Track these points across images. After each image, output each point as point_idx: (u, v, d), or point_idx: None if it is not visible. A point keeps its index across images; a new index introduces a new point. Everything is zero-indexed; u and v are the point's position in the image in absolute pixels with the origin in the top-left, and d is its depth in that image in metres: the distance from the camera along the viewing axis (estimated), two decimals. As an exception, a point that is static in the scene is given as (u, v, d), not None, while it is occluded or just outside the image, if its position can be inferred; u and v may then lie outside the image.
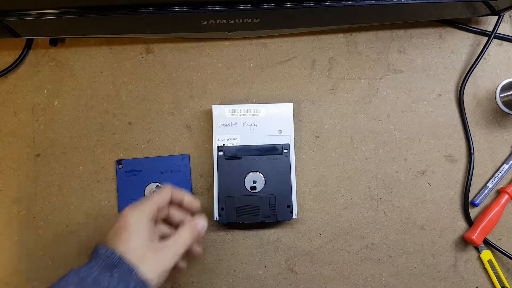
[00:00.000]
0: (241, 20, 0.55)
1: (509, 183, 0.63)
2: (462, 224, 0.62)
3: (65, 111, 0.64)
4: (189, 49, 0.64)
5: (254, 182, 0.59)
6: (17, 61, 0.63)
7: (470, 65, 0.63)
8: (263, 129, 0.60)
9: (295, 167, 0.62)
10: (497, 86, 0.61)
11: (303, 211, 0.62)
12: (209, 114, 0.63)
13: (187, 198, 0.53)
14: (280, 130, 0.60)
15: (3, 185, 0.63)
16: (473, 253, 0.62)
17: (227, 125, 0.60)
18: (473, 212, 0.62)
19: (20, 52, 0.63)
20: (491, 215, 0.60)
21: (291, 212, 0.59)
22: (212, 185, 0.60)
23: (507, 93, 0.61)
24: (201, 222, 0.50)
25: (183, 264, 0.52)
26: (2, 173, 0.63)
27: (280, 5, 0.52)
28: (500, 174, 0.62)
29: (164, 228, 0.52)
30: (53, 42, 0.63)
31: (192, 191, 0.62)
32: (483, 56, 0.62)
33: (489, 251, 0.62)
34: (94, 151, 0.63)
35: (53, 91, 0.64)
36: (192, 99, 0.64)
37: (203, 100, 0.64)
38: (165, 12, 0.52)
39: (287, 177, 0.59)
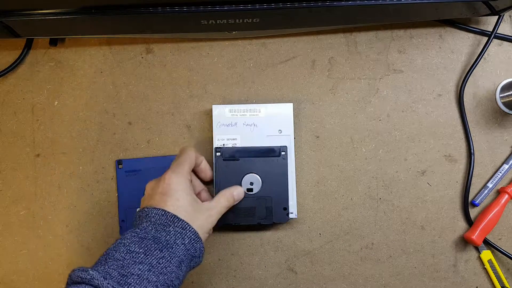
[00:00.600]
0: (241, 20, 0.55)
1: (509, 183, 0.63)
2: (462, 224, 0.62)
3: (65, 111, 0.64)
4: (189, 49, 0.64)
5: (251, 183, 0.59)
6: (17, 61, 0.63)
7: (470, 65, 0.63)
8: (263, 129, 0.60)
9: (295, 167, 0.61)
10: (497, 86, 0.61)
11: (303, 211, 0.62)
12: (209, 114, 0.63)
13: (205, 163, 0.58)
14: (280, 130, 0.60)
15: (3, 185, 0.63)
16: (473, 253, 0.62)
17: (227, 125, 0.60)
18: (473, 212, 0.62)
19: (20, 52, 0.63)
20: (491, 215, 0.60)
21: (288, 214, 0.58)
22: (211, 185, 0.60)
23: (507, 93, 0.61)
24: (238, 190, 0.56)
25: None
26: (2, 173, 0.63)
27: (280, 5, 0.52)
28: (500, 174, 0.62)
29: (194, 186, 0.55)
30: (53, 42, 0.63)
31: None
32: (483, 56, 0.62)
33: (489, 251, 0.62)
34: (94, 151, 0.63)
35: (53, 91, 0.64)
36: (192, 99, 0.64)
37: (203, 100, 0.64)
38: (165, 12, 0.52)
39: (284, 179, 0.59)
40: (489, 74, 0.64)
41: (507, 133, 0.63)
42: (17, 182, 0.63)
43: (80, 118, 0.63)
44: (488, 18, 0.64)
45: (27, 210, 0.62)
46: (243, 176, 0.59)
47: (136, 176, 0.62)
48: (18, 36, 0.57)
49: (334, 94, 0.64)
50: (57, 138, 0.63)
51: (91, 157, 0.63)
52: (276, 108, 0.61)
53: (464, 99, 0.63)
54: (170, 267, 0.45)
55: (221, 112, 0.60)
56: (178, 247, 0.46)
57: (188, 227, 0.48)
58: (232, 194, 0.55)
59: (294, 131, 0.61)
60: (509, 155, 0.63)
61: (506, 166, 0.62)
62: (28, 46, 0.64)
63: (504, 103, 0.61)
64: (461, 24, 0.64)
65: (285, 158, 0.59)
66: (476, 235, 0.60)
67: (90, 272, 0.42)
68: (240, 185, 0.58)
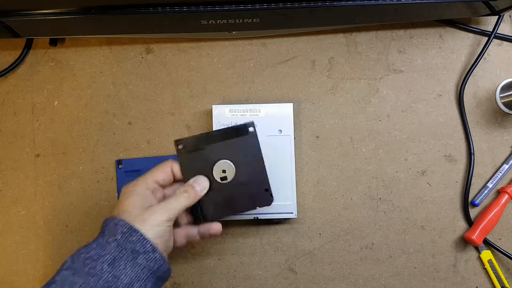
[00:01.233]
0: (241, 20, 0.55)
1: (509, 183, 0.63)
2: (462, 224, 0.62)
3: (65, 111, 0.64)
4: (189, 49, 0.64)
5: (224, 171, 0.52)
6: (17, 61, 0.63)
7: (470, 65, 0.63)
8: (263, 129, 0.60)
9: (295, 167, 0.61)
10: (497, 86, 0.61)
11: (303, 211, 0.62)
12: (209, 114, 0.63)
13: (176, 169, 0.52)
14: (280, 130, 0.60)
15: (3, 185, 0.63)
16: (473, 253, 0.62)
17: (227, 125, 0.60)
18: (473, 212, 0.62)
19: (20, 52, 0.63)
20: (491, 215, 0.60)
21: (271, 195, 0.53)
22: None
23: (507, 93, 0.61)
24: (198, 183, 0.51)
25: (182, 240, 0.52)
26: (2, 173, 0.63)
27: (280, 5, 0.52)
28: (500, 174, 0.62)
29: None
30: (53, 42, 0.63)
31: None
32: (483, 56, 0.62)
33: (489, 251, 0.62)
34: (94, 151, 0.63)
35: (53, 91, 0.64)
36: (192, 99, 0.64)
37: (203, 100, 0.64)
38: (165, 12, 0.52)
39: (259, 159, 0.52)
40: (489, 74, 0.64)
41: (507, 133, 0.63)
42: (17, 182, 0.63)
43: (80, 118, 0.63)
44: (488, 18, 0.64)
45: (27, 210, 0.62)
46: (213, 166, 0.52)
47: (136, 176, 0.62)
48: (18, 36, 0.57)
49: (334, 94, 0.64)
50: (57, 138, 0.63)
51: (91, 157, 0.63)
52: (276, 108, 0.61)
53: (464, 99, 0.63)
54: (100, 266, 0.43)
55: (221, 112, 0.60)
56: (109, 245, 0.44)
57: (120, 223, 0.45)
58: (191, 186, 0.50)
59: (294, 131, 0.61)
60: (509, 155, 0.63)
61: (506, 166, 0.62)
62: (28, 46, 0.64)
63: (504, 103, 0.61)
64: (461, 24, 0.64)
65: (255, 134, 0.52)
66: (476, 235, 0.60)
67: None
68: (212, 176, 0.52)
